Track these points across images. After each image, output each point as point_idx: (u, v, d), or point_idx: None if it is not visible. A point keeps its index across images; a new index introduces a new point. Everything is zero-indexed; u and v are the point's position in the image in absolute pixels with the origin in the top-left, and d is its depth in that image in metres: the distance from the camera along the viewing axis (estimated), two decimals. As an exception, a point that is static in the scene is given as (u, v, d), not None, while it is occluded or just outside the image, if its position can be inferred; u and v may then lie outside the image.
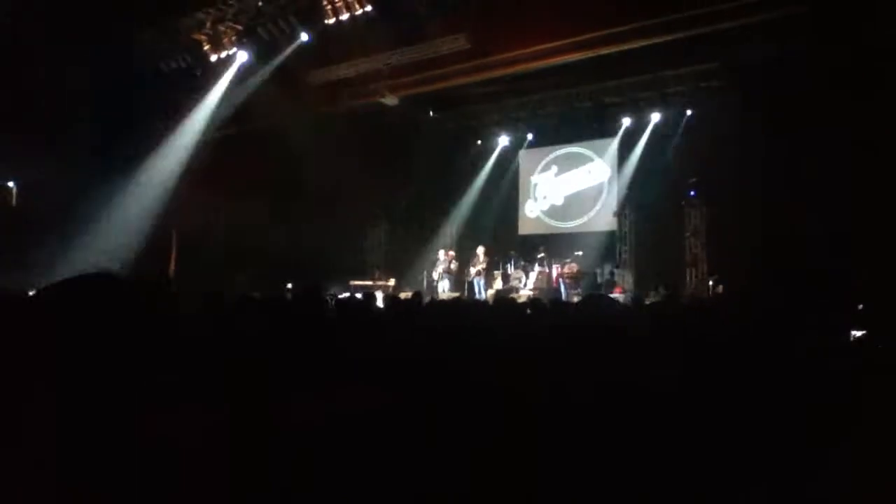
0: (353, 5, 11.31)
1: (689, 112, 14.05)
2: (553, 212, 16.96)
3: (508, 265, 15.65)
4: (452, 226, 17.83)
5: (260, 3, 12.19)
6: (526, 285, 14.73)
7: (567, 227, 16.53)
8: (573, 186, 16.57)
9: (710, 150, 12.66)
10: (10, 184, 12.77)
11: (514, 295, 12.96)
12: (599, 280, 14.82)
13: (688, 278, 14.18)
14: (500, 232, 17.04)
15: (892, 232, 9.36)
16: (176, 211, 13.84)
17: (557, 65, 11.61)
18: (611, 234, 15.66)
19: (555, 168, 16.96)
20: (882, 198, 9.67)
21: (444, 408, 1.74)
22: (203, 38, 12.81)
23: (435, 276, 15.09)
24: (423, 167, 16.91)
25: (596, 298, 4.89)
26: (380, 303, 7.63)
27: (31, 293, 1.31)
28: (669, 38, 10.16)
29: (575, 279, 14.33)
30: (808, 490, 1.60)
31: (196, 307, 3.53)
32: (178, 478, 1.09)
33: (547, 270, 14.74)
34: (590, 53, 10.92)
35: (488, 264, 15.02)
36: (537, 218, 17.25)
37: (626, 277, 14.89)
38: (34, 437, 1.01)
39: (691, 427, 1.75)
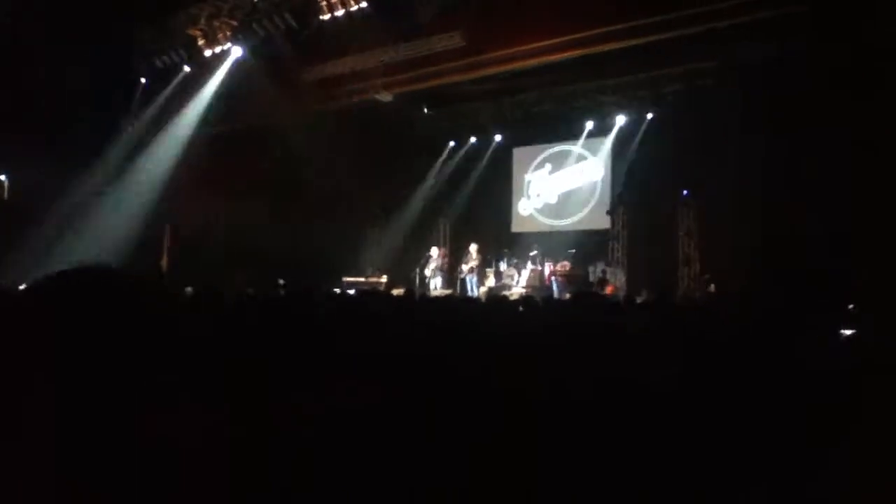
0: (349, 2, 11.29)
1: (684, 111, 14.05)
2: (546, 210, 16.97)
3: (501, 263, 15.64)
4: (445, 223, 17.87)
5: (255, 0, 12.16)
6: (518, 283, 14.74)
7: (560, 226, 16.55)
8: (567, 184, 16.57)
9: (707, 150, 12.67)
10: (2, 177, 12.69)
11: (506, 292, 12.98)
12: (592, 278, 14.83)
13: (680, 278, 14.23)
14: (493, 229, 17.05)
15: (892, 232, 9.39)
16: (169, 207, 13.80)
17: (552, 63, 11.59)
18: (604, 232, 15.69)
19: (548, 166, 16.97)
20: (882, 198, 9.70)
21: (443, 403, 1.73)
22: (198, 33, 12.77)
23: (427, 273, 15.10)
24: (417, 164, 16.94)
25: (586, 296, 4.92)
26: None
27: (22, 287, 1.29)
28: (666, 36, 10.15)
29: (567, 277, 14.35)
30: (808, 490, 1.60)
31: (185, 303, 3.51)
32: (178, 478, 1.08)
33: (539, 268, 14.75)
34: (585, 51, 10.90)
35: (481, 262, 15.03)
36: (530, 216, 17.27)
37: (618, 276, 14.92)
38: (33, 436, 1.00)
39: (691, 425, 1.75)
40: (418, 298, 6.77)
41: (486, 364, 2.07)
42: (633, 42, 10.45)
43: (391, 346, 2.33)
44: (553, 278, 14.50)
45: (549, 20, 10.52)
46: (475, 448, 1.59)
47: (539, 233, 16.52)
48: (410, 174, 17.16)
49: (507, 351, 2.29)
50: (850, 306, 2.76)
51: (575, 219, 16.33)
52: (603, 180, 15.96)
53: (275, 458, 1.32)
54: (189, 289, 4.84)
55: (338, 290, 11.36)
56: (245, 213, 13.45)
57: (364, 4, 11.24)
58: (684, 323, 3.19)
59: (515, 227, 17.38)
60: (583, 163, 16.36)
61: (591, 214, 16.07)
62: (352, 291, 10.91)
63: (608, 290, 13.93)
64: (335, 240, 15.18)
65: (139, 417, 1.06)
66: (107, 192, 13.35)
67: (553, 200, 16.84)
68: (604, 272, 14.77)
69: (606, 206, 15.63)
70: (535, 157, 17.24)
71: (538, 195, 17.12)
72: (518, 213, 17.46)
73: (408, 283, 14.30)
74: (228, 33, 12.55)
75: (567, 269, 14.48)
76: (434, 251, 15.35)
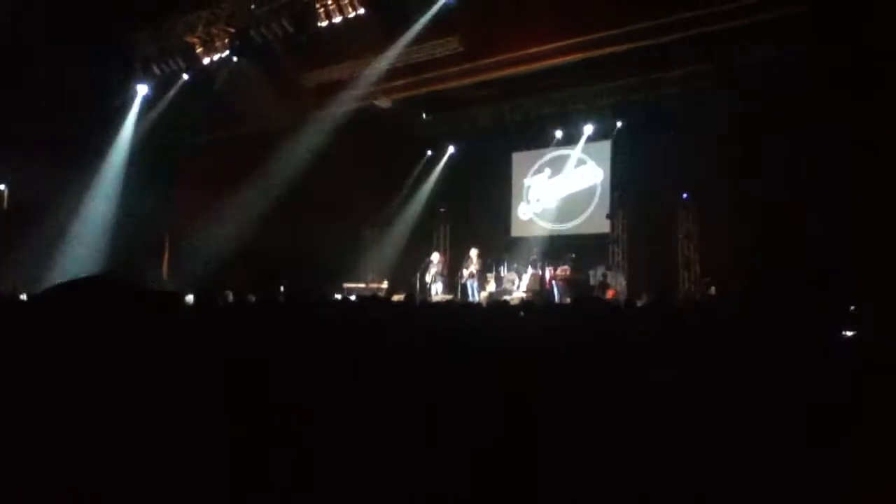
0: (346, 8, 11.29)
1: (683, 113, 14.03)
2: (546, 214, 16.95)
3: (501, 268, 15.63)
4: (445, 228, 17.86)
5: (253, 6, 12.17)
6: (519, 288, 14.72)
7: (560, 230, 16.52)
8: (566, 189, 16.56)
9: (707, 151, 12.66)
10: (2, 186, 12.69)
11: (506, 297, 12.97)
12: (592, 282, 14.81)
13: (681, 280, 14.22)
14: (493, 234, 17.03)
15: (892, 232, 9.39)
16: (169, 212, 13.81)
17: (551, 67, 11.60)
18: (604, 236, 15.67)
19: (548, 170, 16.95)
20: (882, 198, 9.70)
21: (444, 408, 1.73)
22: (196, 40, 12.79)
23: (428, 278, 15.08)
24: (416, 169, 16.96)
25: (587, 301, 4.92)
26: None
27: (23, 296, 1.30)
28: (666, 39, 10.15)
29: (568, 281, 14.34)
30: (808, 490, 1.60)
31: (186, 306, 3.52)
32: (178, 478, 1.08)
33: (540, 273, 14.72)
34: (584, 56, 10.91)
35: (481, 267, 15.01)
36: (530, 220, 17.24)
37: (619, 279, 14.90)
38: (34, 437, 1.00)
39: (691, 427, 1.75)
40: (419, 304, 6.78)
41: (487, 369, 2.08)
42: (632, 46, 10.46)
43: (392, 351, 2.33)
44: (554, 283, 14.48)
45: (547, 24, 10.52)
46: (476, 453, 1.59)
47: (539, 237, 16.50)
48: (410, 179, 17.17)
49: (508, 356, 2.29)
50: (852, 308, 2.76)
51: (575, 223, 16.31)
52: (602, 184, 15.94)
53: (274, 459, 1.33)
54: (190, 296, 4.84)
55: (338, 297, 11.37)
56: (245, 218, 13.46)
57: (361, 11, 11.26)
58: (684, 324, 3.19)
59: (515, 232, 17.34)
60: (582, 167, 16.34)
61: (590, 218, 16.04)
62: (353, 297, 10.91)
63: (609, 294, 13.91)
64: (335, 245, 15.18)
65: (140, 417, 1.07)
66: (106, 194, 13.36)
67: (553, 205, 16.82)
68: (604, 276, 14.75)
69: (606, 210, 15.60)
70: (534, 162, 17.22)
71: (538, 199, 17.10)
72: (518, 218, 17.44)
73: (408, 288, 14.27)
74: (226, 41, 12.57)
75: (567, 273, 14.45)
76: (434, 256, 15.34)
